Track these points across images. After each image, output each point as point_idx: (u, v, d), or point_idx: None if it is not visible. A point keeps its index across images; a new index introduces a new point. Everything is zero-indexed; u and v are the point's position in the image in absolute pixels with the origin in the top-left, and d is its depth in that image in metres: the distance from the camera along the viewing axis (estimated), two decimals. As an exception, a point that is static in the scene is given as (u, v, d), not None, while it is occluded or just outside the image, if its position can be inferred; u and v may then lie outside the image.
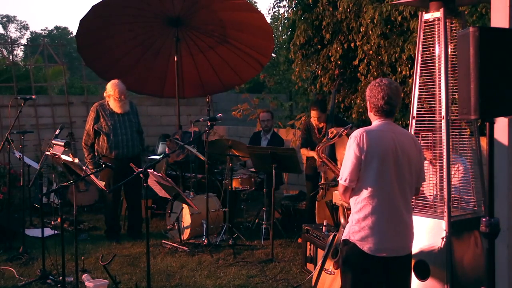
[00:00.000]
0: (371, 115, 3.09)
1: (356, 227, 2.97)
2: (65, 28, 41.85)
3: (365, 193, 2.94)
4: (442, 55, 3.75)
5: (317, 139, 5.88)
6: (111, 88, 6.03)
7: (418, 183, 3.14)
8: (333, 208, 5.14)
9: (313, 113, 5.88)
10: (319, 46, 7.96)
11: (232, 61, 8.38)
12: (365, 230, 2.93)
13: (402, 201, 2.99)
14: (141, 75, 8.46)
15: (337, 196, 4.93)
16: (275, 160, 5.50)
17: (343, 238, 3.10)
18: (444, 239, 3.60)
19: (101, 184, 4.66)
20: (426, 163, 4.02)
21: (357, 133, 2.97)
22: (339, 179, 3.05)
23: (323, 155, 3.86)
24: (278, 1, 19.38)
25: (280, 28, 14.94)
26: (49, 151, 5.00)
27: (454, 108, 3.72)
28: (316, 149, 3.98)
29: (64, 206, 4.77)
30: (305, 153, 6.06)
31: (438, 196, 3.79)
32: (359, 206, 2.98)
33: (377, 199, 2.93)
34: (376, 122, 3.06)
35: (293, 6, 8.92)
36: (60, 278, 4.40)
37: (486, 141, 2.52)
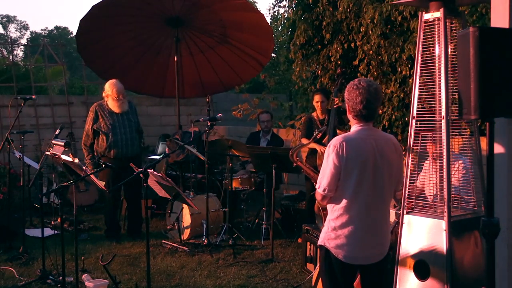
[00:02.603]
0: (350, 117, 3.00)
1: (332, 234, 2.94)
2: (65, 28, 41.93)
3: (343, 201, 2.90)
4: (442, 55, 3.74)
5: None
6: (109, 88, 6.02)
7: (397, 187, 3.13)
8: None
9: (317, 97, 5.89)
10: (319, 46, 7.96)
11: (232, 61, 8.38)
12: (341, 239, 2.91)
13: (380, 210, 2.97)
14: (141, 75, 8.46)
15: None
16: (275, 160, 5.50)
17: (318, 243, 3.07)
18: (444, 239, 3.59)
19: (101, 184, 4.66)
20: (427, 162, 4.02)
21: (335, 141, 2.88)
22: (316, 187, 2.99)
23: (297, 158, 3.85)
24: (278, 1, 19.41)
25: (280, 28, 14.95)
26: (49, 151, 5.00)
27: (454, 108, 3.72)
28: (289, 154, 3.96)
29: (64, 206, 4.77)
30: (305, 142, 6.04)
31: (438, 196, 3.79)
32: (336, 214, 2.93)
33: (354, 208, 2.89)
34: (355, 127, 2.97)
35: (293, 6, 8.92)
36: (60, 278, 4.40)
37: (486, 141, 2.51)
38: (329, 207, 3.00)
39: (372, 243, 2.96)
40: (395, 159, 3.00)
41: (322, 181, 2.92)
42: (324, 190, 2.91)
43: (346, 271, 2.95)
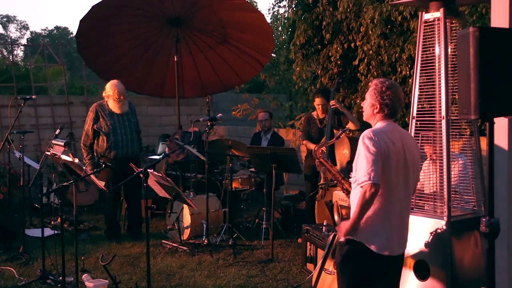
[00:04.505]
0: (375, 116, 3.05)
1: (364, 225, 2.96)
2: (65, 28, 41.91)
3: (379, 192, 2.91)
4: (442, 55, 3.75)
5: (317, 130, 5.90)
6: (110, 89, 6.01)
7: (416, 182, 3.20)
8: (333, 207, 5.14)
9: (317, 100, 5.89)
10: (319, 46, 7.97)
11: (232, 61, 8.39)
12: (373, 228, 2.95)
13: (405, 201, 3.04)
14: (141, 75, 8.46)
15: (336, 196, 4.93)
16: (275, 160, 5.50)
17: (346, 237, 3.08)
18: (444, 239, 3.59)
19: (101, 184, 4.66)
20: (426, 162, 4.02)
21: (367, 133, 2.91)
22: (364, 179, 2.83)
23: (320, 155, 3.85)
24: (278, 1, 19.41)
25: (280, 28, 14.95)
26: (49, 151, 5.00)
27: (454, 108, 3.72)
28: (313, 151, 3.95)
29: (64, 206, 4.76)
30: (307, 144, 6.05)
31: (438, 196, 3.79)
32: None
33: (385, 198, 2.94)
34: (379, 123, 3.04)
35: (293, 6, 8.93)
36: (60, 278, 4.40)
37: (486, 141, 2.52)
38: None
39: (399, 233, 3.03)
40: (417, 154, 3.13)
41: (371, 172, 2.81)
42: (376, 178, 2.80)
43: (375, 262, 2.97)
